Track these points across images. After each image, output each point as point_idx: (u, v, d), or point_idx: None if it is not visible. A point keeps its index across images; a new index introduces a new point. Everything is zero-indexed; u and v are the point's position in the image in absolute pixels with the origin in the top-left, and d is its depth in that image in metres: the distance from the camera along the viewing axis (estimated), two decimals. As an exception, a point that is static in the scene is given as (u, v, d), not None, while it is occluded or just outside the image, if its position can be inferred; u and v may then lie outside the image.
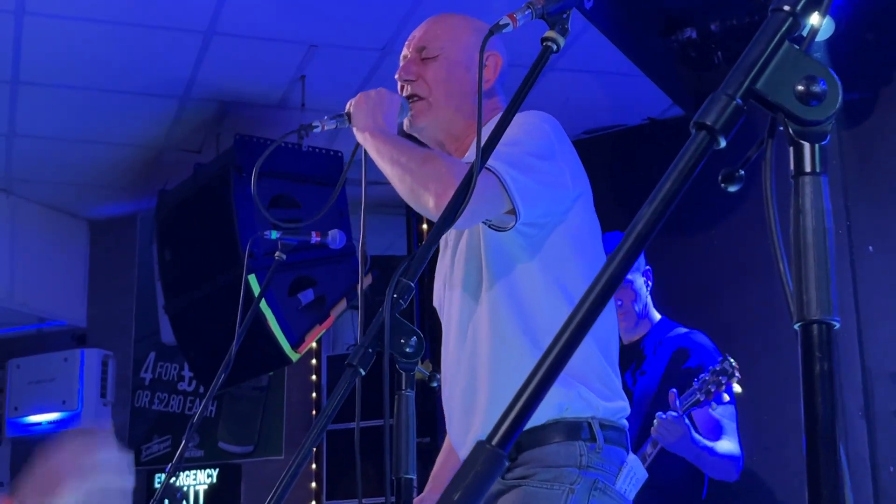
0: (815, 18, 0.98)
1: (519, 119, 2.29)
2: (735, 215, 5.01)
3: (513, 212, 2.14)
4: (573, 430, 2.21)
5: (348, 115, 2.32)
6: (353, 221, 5.32)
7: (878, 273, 4.67)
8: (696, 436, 3.58)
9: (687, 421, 3.53)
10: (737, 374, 3.54)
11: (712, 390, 3.53)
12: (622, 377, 2.47)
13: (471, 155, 2.26)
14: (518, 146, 2.19)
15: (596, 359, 2.26)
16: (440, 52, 2.44)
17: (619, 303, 3.84)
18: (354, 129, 2.30)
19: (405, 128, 2.47)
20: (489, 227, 2.24)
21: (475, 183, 1.69)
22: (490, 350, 2.29)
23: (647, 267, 3.99)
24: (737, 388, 3.56)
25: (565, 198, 2.28)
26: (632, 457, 2.30)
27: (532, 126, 2.28)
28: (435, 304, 2.54)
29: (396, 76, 2.48)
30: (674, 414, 3.51)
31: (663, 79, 4.98)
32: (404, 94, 2.44)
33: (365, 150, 2.28)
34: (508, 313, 2.27)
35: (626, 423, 2.33)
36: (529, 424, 2.17)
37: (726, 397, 3.56)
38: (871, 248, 4.68)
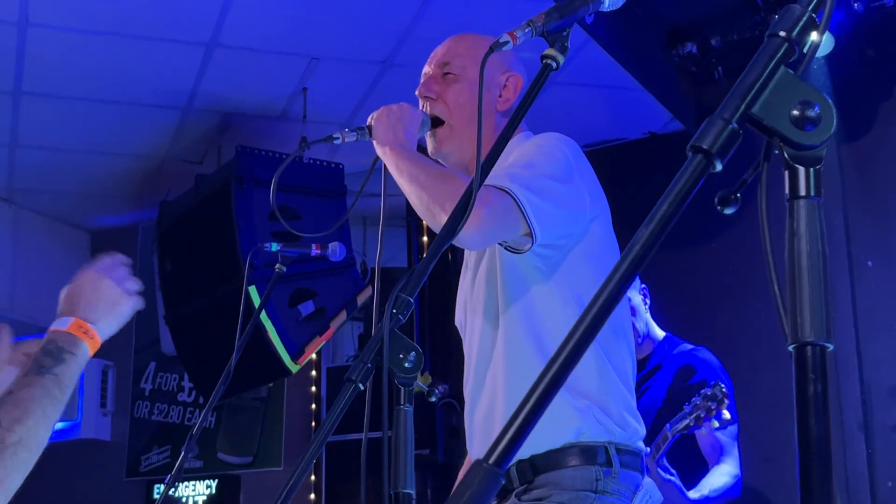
0: (814, 36, 0.99)
1: (537, 141, 2.31)
2: (736, 229, 5.02)
3: (529, 234, 2.14)
4: (589, 454, 2.22)
5: (369, 128, 2.32)
6: (353, 233, 5.33)
7: (877, 288, 4.67)
8: (689, 494, 3.60)
9: (677, 482, 3.54)
10: (726, 400, 3.53)
11: (702, 416, 3.53)
12: None
13: (489, 179, 2.26)
14: (535, 168, 2.21)
15: (612, 382, 2.26)
16: (462, 71, 2.45)
17: None
18: (375, 143, 2.30)
19: (430, 153, 2.47)
20: (505, 248, 2.23)
21: (474, 199, 1.69)
22: (506, 374, 2.29)
23: (644, 285, 4.00)
24: (725, 414, 3.56)
25: (582, 219, 2.28)
26: (647, 480, 2.31)
27: (550, 148, 2.29)
28: (456, 323, 2.55)
29: (417, 92, 2.49)
30: (670, 478, 3.53)
31: (664, 93, 5.00)
32: (424, 110, 2.45)
33: (384, 164, 2.28)
34: (524, 336, 2.28)
35: (642, 446, 2.33)
36: (546, 447, 2.21)
37: (715, 423, 3.56)
38: (870, 263, 4.69)
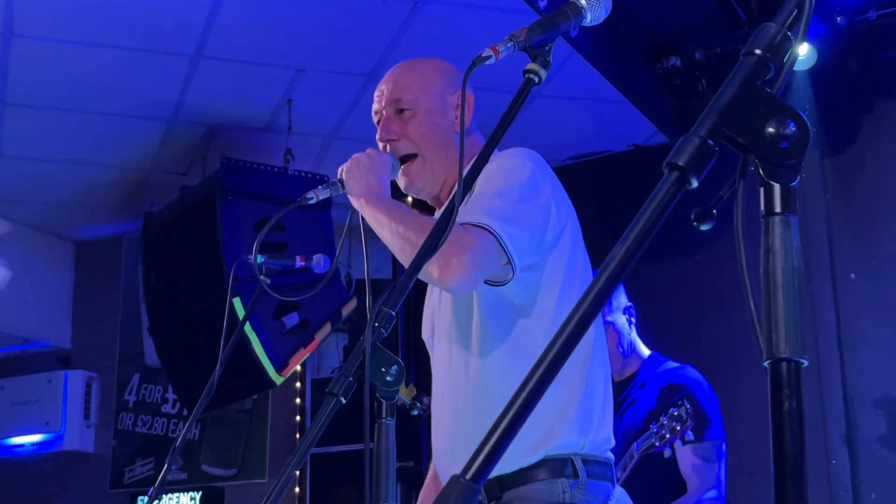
0: (791, 51, 1.00)
1: (501, 161, 2.30)
2: (720, 242, 5.03)
3: (508, 262, 2.15)
4: (556, 467, 2.22)
5: (341, 181, 2.32)
6: (338, 245, 5.32)
7: (861, 300, 4.70)
8: None
9: None
10: (690, 421, 3.53)
11: (667, 436, 3.53)
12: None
13: (464, 214, 2.20)
14: (506, 196, 2.21)
15: (581, 394, 2.26)
16: (417, 105, 2.44)
17: None
18: (350, 196, 2.30)
19: (403, 188, 2.48)
20: (485, 282, 2.22)
21: (452, 224, 1.70)
22: (477, 394, 2.29)
23: (629, 304, 3.97)
24: (692, 434, 3.56)
25: (554, 231, 2.29)
26: (618, 489, 2.30)
27: (514, 168, 2.29)
28: (424, 336, 2.54)
29: (378, 137, 2.46)
30: None
31: (648, 106, 5.02)
32: (390, 151, 2.43)
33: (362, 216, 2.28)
34: (498, 355, 2.27)
35: (610, 455, 2.33)
36: (514, 467, 2.21)
37: (677, 445, 3.56)
38: (853, 275, 4.71)
